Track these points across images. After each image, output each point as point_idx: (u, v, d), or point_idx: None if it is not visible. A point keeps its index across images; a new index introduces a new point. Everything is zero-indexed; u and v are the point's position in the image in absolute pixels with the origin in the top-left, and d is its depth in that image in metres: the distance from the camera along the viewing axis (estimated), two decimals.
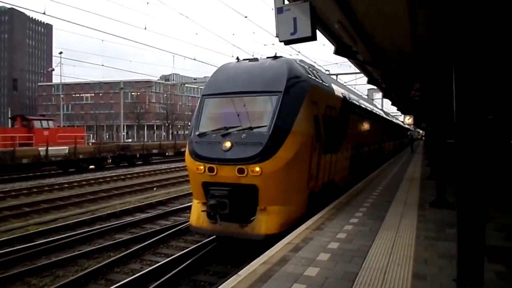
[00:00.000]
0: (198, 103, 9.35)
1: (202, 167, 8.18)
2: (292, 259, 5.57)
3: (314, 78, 9.85)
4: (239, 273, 5.11)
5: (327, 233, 6.97)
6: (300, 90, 8.73)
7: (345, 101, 13.01)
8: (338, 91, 12.63)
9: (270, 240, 7.23)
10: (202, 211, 8.26)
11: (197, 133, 8.70)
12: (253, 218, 7.93)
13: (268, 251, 6.00)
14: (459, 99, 3.59)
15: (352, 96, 15.61)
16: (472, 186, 3.53)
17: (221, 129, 8.42)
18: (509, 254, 5.74)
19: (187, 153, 8.71)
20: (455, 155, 3.67)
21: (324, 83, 10.84)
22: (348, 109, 13.45)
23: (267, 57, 9.66)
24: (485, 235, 3.67)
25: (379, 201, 10.17)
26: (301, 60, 10.48)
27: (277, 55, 9.65)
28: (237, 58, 10.00)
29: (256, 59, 9.75)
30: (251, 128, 8.20)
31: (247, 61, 9.76)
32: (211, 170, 8.07)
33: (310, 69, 10.34)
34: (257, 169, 7.70)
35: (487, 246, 5.51)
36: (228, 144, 8.03)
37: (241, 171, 7.79)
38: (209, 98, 9.14)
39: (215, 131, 8.47)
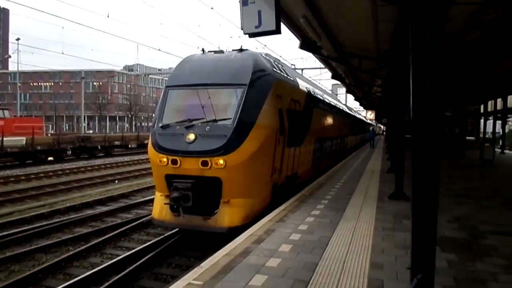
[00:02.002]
0: (162, 94, 9.25)
1: (165, 159, 8.09)
2: (254, 251, 5.63)
3: (279, 72, 9.89)
4: (201, 265, 5.11)
5: (290, 225, 7.08)
6: (265, 84, 8.76)
7: (309, 95, 13.15)
8: (303, 85, 12.73)
9: (233, 232, 7.22)
10: (165, 203, 8.20)
11: (160, 124, 8.59)
12: (216, 210, 7.94)
13: (231, 243, 6.03)
14: (415, 96, 3.73)
15: (317, 91, 15.79)
16: (426, 179, 3.68)
17: (185, 121, 8.36)
18: (460, 244, 6.03)
19: (150, 145, 8.61)
20: (411, 149, 3.82)
21: (289, 77, 10.91)
22: (312, 103, 13.59)
23: (233, 50, 9.61)
24: (438, 226, 3.85)
25: (341, 194, 10.42)
26: (266, 54, 10.51)
27: (243, 48, 9.62)
28: (203, 50, 9.90)
29: (221, 51, 9.69)
30: (215, 121, 8.17)
31: (213, 53, 9.68)
32: (174, 162, 8.00)
33: (276, 63, 10.38)
34: (221, 161, 7.69)
35: (441, 237, 5.79)
36: (192, 136, 7.98)
37: (204, 163, 7.76)
38: (173, 90, 9.05)
39: (179, 123, 8.39)
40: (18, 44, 51.57)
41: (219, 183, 7.86)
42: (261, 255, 5.43)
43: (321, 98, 16.02)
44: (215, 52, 9.72)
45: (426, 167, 3.68)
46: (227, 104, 8.41)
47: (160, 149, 8.24)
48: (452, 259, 5.29)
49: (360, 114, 48.71)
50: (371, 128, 53.22)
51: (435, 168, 3.67)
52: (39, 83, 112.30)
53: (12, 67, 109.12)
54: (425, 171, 3.69)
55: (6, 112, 30.80)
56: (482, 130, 31.18)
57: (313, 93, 14.11)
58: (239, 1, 6.19)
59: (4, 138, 23.93)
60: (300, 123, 11.20)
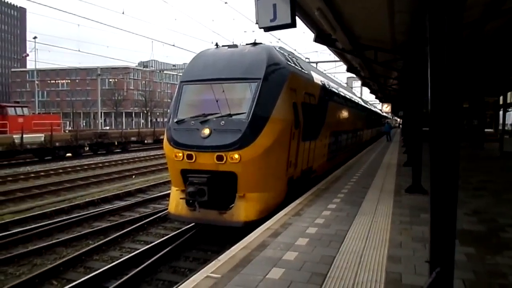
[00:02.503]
0: (177, 89, 9.26)
1: (180, 154, 8.13)
2: (271, 244, 5.66)
3: (293, 65, 9.81)
4: (218, 258, 5.16)
5: (306, 219, 7.08)
6: (279, 77, 8.72)
7: (324, 88, 13.01)
8: (317, 78, 12.60)
9: (249, 227, 7.23)
10: (181, 198, 8.25)
11: (175, 120, 8.63)
12: (232, 205, 7.97)
13: (248, 236, 6.07)
14: (433, 88, 3.68)
15: (331, 84, 15.57)
16: (444, 172, 3.64)
17: (200, 116, 8.36)
18: (479, 237, 5.96)
19: (165, 140, 8.66)
20: (429, 142, 3.77)
21: (303, 70, 10.80)
22: (327, 96, 13.44)
23: (247, 44, 9.57)
24: (457, 220, 3.82)
25: (357, 188, 10.36)
26: (280, 47, 10.42)
27: (257, 41, 9.56)
28: (216, 44, 9.86)
29: (235, 46, 9.66)
30: (230, 115, 8.16)
31: (226, 47, 9.65)
32: (189, 157, 8.04)
33: (290, 56, 10.30)
34: (236, 156, 7.69)
35: (460, 230, 5.72)
36: (207, 131, 7.99)
37: (220, 158, 7.78)
38: (187, 85, 9.06)
39: (193, 118, 8.41)
40: (35, 42, 52.51)
41: (235, 178, 7.87)
42: (278, 249, 5.46)
43: (336, 91, 15.83)
44: (229, 46, 9.68)
45: (445, 160, 3.63)
46: (241, 99, 8.38)
47: (176, 144, 8.27)
48: (471, 253, 5.23)
49: (375, 107, 48.12)
50: (387, 121, 52.69)
51: (454, 161, 3.63)
52: (56, 81, 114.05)
53: (30, 65, 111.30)
54: (444, 164, 3.65)
55: (25, 109, 31.39)
56: (501, 122, 30.56)
57: (327, 86, 13.95)
58: None
59: (24, 135, 24.42)
60: (315, 117, 11.12)
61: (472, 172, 13.17)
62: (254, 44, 9.43)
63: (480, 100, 25.42)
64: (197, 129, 8.14)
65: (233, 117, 8.13)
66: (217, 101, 8.39)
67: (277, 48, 9.74)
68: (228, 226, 7.98)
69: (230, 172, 7.87)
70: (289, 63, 9.55)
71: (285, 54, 9.95)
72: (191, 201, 8.02)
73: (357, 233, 6.21)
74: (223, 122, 8.08)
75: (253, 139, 7.81)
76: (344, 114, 17.71)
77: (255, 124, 7.93)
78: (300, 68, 10.46)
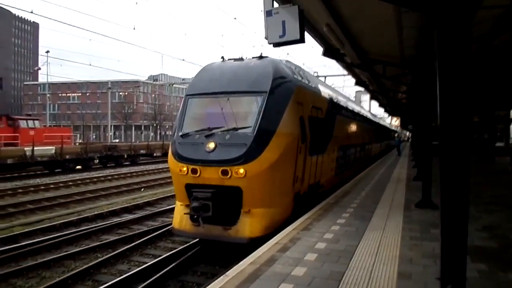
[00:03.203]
0: (182, 103, 9.19)
1: (185, 169, 8.02)
2: (279, 259, 5.62)
3: (300, 78, 9.75)
4: (227, 273, 5.13)
5: (315, 233, 7.03)
6: (285, 91, 8.62)
7: (331, 102, 12.87)
8: (325, 92, 12.51)
9: (254, 243, 7.11)
10: (185, 213, 8.14)
11: (180, 133, 8.54)
12: (237, 220, 7.82)
13: (256, 251, 6.04)
14: (442, 102, 3.68)
15: (339, 98, 15.48)
16: (455, 187, 3.62)
17: (205, 130, 8.28)
18: (491, 254, 5.87)
19: (170, 154, 8.57)
20: (439, 157, 3.76)
21: (310, 83, 10.74)
22: (335, 110, 13.29)
23: (253, 57, 9.50)
24: (468, 235, 3.77)
25: (366, 202, 10.29)
26: (287, 61, 10.40)
27: (263, 55, 9.48)
28: (222, 58, 9.79)
29: (241, 59, 9.58)
30: (235, 129, 8.05)
31: (232, 60, 9.59)
32: (194, 171, 7.92)
33: (297, 69, 10.23)
34: (241, 170, 7.57)
35: (471, 246, 5.64)
36: (211, 145, 7.89)
37: (225, 172, 7.66)
38: (193, 98, 9.00)
39: (198, 132, 8.33)
40: (47, 56, 53.33)
41: (240, 193, 7.72)
42: (287, 264, 5.42)
43: (343, 104, 15.68)
44: (235, 60, 9.60)
45: (455, 174, 3.61)
46: (247, 112, 8.29)
47: (180, 158, 8.17)
48: (482, 269, 5.15)
49: (384, 121, 47.99)
50: (396, 135, 52.45)
51: (465, 175, 3.61)
52: (67, 94, 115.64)
53: (41, 78, 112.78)
54: (454, 179, 3.63)
55: (37, 122, 31.85)
56: None
57: (335, 99, 13.80)
58: (263, 12, 6.26)
59: (35, 148, 24.69)
60: (322, 131, 10.98)
61: (483, 186, 13.02)
62: (260, 57, 9.35)
63: (490, 114, 25.24)
64: (202, 143, 8.04)
65: (239, 131, 8.02)
66: (222, 115, 8.28)
67: (283, 62, 9.69)
68: (233, 243, 7.83)
69: (235, 187, 7.72)
70: (296, 76, 9.47)
71: (292, 67, 9.89)
72: (195, 216, 7.89)
73: (366, 248, 6.14)
74: (228, 136, 7.98)
75: (258, 154, 7.68)
76: (352, 128, 17.49)
77: (261, 138, 7.82)
78: (306, 82, 10.39)
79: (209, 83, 8.90)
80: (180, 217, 8.32)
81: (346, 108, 16.04)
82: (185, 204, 8.29)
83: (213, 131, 8.14)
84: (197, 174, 7.89)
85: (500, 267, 5.25)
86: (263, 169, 7.67)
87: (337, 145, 13.37)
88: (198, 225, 7.87)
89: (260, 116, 7.96)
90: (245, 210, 7.76)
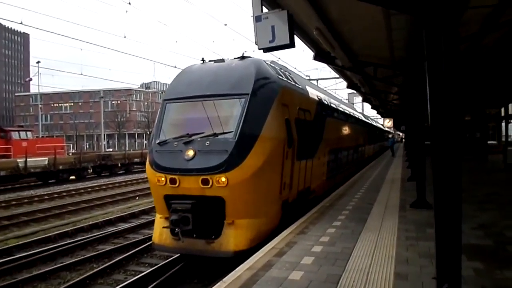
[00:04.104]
0: (160, 108, 8.73)
1: (163, 179, 7.54)
2: (276, 264, 5.61)
3: (285, 79, 9.33)
4: (223, 279, 5.12)
5: (311, 237, 7.04)
6: (269, 92, 8.18)
7: (321, 104, 12.49)
8: (313, 93, 12.10)
9: (240, 257, 6.73)
10: (164, 227, 7.63)
11: (157, 141, 8.07)
12: (220, 233, 7.33)
13: (253, 256, 6.03)
14: (432, 102, 3.71)
15: (329, 99, 15.10)
16: (448, 186, 3.64)
17: (184, 137, 7.80)
18: (486, 252, 5.90)
19: (147, 163, 8.09)
20: (431, 156, 3.78)
21: (297, 85, 10.36)
22: (324, 112, 12.89)
23: (235, 58, 9.04)
24: (463, 234, 3.79)
25: (361, 204, 10.31)
26: (272, 61, 9.96)
27: (245, 55, 9.02)
28: (202, 59, 9.32)
29: (222, 60, 9.12)
30: (215, 135, 7.60)
31: (213, 62, 9.14)
32: (173, 181, 7.44)
33: (282, 70, 9.83)
34: (223, 179, 7.10)
35: (466, 245, 5.67)
36: (190, 152, 7.43)
37: (205, 182, 7.18)
38: (170, 103, 8.53)
39: (177, 139, 7.84)
40: (38, 67, 53.06)
41: (222, 203, 7.26)
42: (283, 268, 5.41)
43: (334, 106, 15.31)
44: (216, 61, 9.13)
45: (448, 173, 3.63)
46: (228, 116, 7.81)
47: (158, 167, 7.68)
48: (478, 268, 5.17)
49: (377, 122, 48.17)
50: (390, 136, 52.67)
51: (457, 174, 3.63)
52: (60, 104, 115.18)
53: (33, 89, 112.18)
54: (447, 178, 3.65)
55: (29, 133, 31.62)
56: (504, 133, 30.49)
57: (324, 101, 13.39)
58: (253, 18, 6.28)
59: (28, 159, 24.51)
60: (311, 134, 10.60)
61: (477, 185, 13.09)
62: (242, 57, 8.90)
63: (481, 113, 25.45)
64: (181, 150, 7.56)
65: (219, 136, 7.57)
66: (202, 120, 7.88)
67: (267, 62, 9.20)
68: (217, 257, 7.36)
69: (217, 197, 7.25)
70: (280, 77, 9.02)
71: (276, 68, 9.44)
72: (176, 230, 7.40)
73: (363, 250, 6.15)
74: (208, 142, 7.50)
75: (241, 160, 7.21)
76: (344, 130, 17.20)
77: (243, 143, 7.36)
78: (293, 83, 9.99)
79: (188, 87, 8.47)
80: (159, 231, 7.81)
81: (336, 110, 15.70)
82: (164, 217, 7.79)
83: (193, 137, 7.67)
84: (176, 184, 7.41)
85: (496, 265, 5.27)
86: (246, 177, 7.21)
87: (328, 148, 13.00)
88: (179, 239, 7.34)
89: (242, 120, 7.51)
90: (229, 222, 7.27)
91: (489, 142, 27.79)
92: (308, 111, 10.53)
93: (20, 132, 30.47)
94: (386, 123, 41.81)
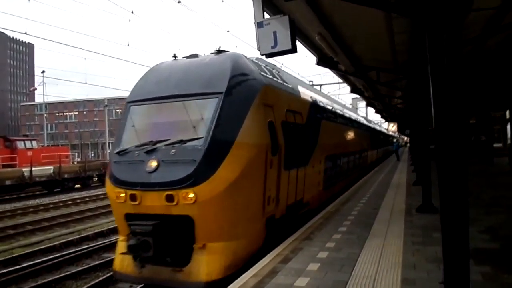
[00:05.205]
0: (123, 112, 7.68)
1: (123, 195, 6.43)
2: (282, 270, 5.57)
3: (270, 77, 8.23)
4: (229, 286, 5.09)
5: (316, 243, 6.99)
6: (248, 91, 7.04)
7: (315, 105, 11.25)
8: (306, 94, 10.87)
9: (214, 287, 5.90)
10: (121, 253, 6.53)
11: (117, 150, 6.98)
12: (189, 259, 6.15)
13: (258, 263, 6.00)
14: (436, 105, 3.69)
15: (326, 101, 13.79)
16: (454, 190, 3.60)
17: (147, 145, 6.67)
18: (494, 256, 5.83)
19: (106, 176, 7.05)
20: (436, 160, 3.75)
21: (285, 83, 9.19)
22: (320, 114, 11.68)
23: (211, 52, 7.98)
24: (470, 238, 3.74)
25: (367, 209, 10.25)
26: (258, 58, 8.83)
27: (221, 49, 7.94)
28: (174, 55, 8.23)
29: (195, 55, 8.07)
30: (182, 142, 6.44)
31: (185, 58, 8.11)
32: (133, 198, 6.33)
33: (268, 67, 8.78)
34: (191, 195, 5.98)
35: (474, 249, 5.60)
36: (153, 163, 6.30)
37: (170, 198, 6.07)
38: (134, 106, 7.42)
39: (139, 148, 6.71)
40: (43, 76, 53.76)
41: (191, 223, 6.11)
42: (289, 275, 5.37)
43: (331, 108, 14.00)
44: (188, 56, 8.10)
45: (453, 177, 3.60)
46: (198, 120, 6.62)
47: (116, 181, 6.59)
48: (486, 272, 5.11)
49: (381, 126, 47.97)
50: (394, 140, 52.56)
51: (463, 177, 3.59)
52: (64, 113, 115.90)
53: (38, 99, 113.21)
54: (453, 181, 3.61)
55: (34, 142, 31.80)
56: (509, 136, 30.31)
57: (320, 102, 12.11)
58: (255, 24, 6.30)
59: (33, 168, 24.62)
60: (303, 139, 9.44)
61: (483, 188, 13.00)
62: (218, 52, 7.82)
63: (486, 115, 25.33)
64: (142, 161, 6.44)
65: (187, 143, 6.41)
66: (168, 125, 6.88)
67: (250, 58, 8.13)
68: None
69: (184, 216, 6.10)
70: (264, 74, 7.94)
71: (261, 64, 8.41)
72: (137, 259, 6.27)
73: (369, 256, 6.10)
74: (173, 151, 6.36)
75: (212, 172, 6.08)
76: (343, 134, 15.96)
77: (214, 151, 6.23)
78: (281, 81, 8.88)
79: (154, 87, 7.37)
80: (121, 257, 6.57)
81: (334, 112, 14.37)
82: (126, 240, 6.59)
83: (157, 145, 6.55)
84: (137, 202, 6.30)
85: (504, 269, 5.21)
86: (219, 192, 6.06)
87: (325, 154, 11.73)
88: (142, 267, 6.23)
89: (214, 124, 6.39)
90: (199, 246, 6.10)
91: (494, 145, 27.65)
92: (299, 113, 9.41)
93: (26, 142, 30.67)
94: (391, 128, 41.73)
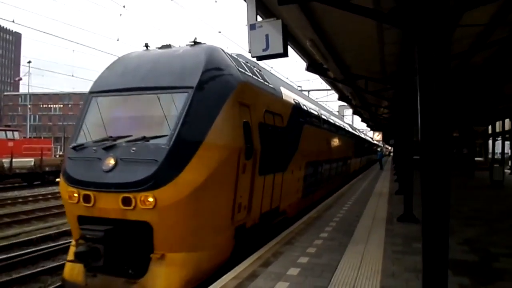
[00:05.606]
0: (83, 103, 7.03)
1: (76, 195, 5.83)
2: (262, 274, 5.55)
3: (249, 74, 7.63)
4: (209, 287, 5.05)
5: (297, 248, 6.99)
6: (222, 87, 6.46)
7: (297, 108, 10.62)
8: (289, 96, 10.26)
9: None
10: (68, 261, 5.99)
11: (72, 145, 6.36)
12: (146, 270, 5.54)
13: (238, 266, 5.97)
14: (423, 117, 3.73)
15: (310, 105, 13.19)
16: (436, 201, 3.65)
17: (106, 140, 6.08)
18: (472, 267, 5.91)
19: (60, 174, 6.41)
20: (420, 171, 3.80)
21: (266, 83, 8.58)
22: (302, 118, 11.04)
23: (187, 44, 7.36)
24: (449, 249, 3.79)
25: (349, 216, 10.30)
26: (238, 54, 8.44)
27: (197, 40, 7.34)
28: (146, 45, 7.61)
29: (168, 46, 7.49)
30: (145, 139, 5.85)
31: (158, 48, 7.53)
32: (86, 199, 5.72)
33: (248, 64, 8.16)
34: (150, 199, 5.40)
35: (452, 260, 5.68)
36: (111, 161, 5.71)
37: (126, 201, 5.46)
38: (97, 97, 6.79)
39: (97, 143, 6.11)
40: (29, 67, 52.70)
41: (149, 230, 5.51)
42: (269, 279, 5.35)
43: (315, 113, 13.37)
44: (161, 47, 7.50)
45: (436, 188, 3.65)
46: (164, 116, 6.03)
47: (68, 180, 5.99)
48: (464, 283, 5.18)
49: (366, 135, 48.40)
50: (378, 150, 53.10)
51: (445, 189, 3.65)
52: (49, 105, 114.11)
53: (22, 89, 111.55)
54: (435, 193, 3.66)
55: (16, 133, 31.22)
56: (490, 151, 30.94)
57: (303, 106, 11.53)
58: (247, 26, 6.30)
59: (13, 159, 24.15)
60: (282, 143, 8.87)
61: (464, 200, 13.21)
62: (194, 43, 7.23)
63: (469, 129, 25.83)
64: (99, 158, 5.85)
65: (150, 141, 5.81)
66: (132, 119, 6.29)
67: (226, 52, 7.41)
68: None
69: (141, 222, 5.51)
70: (242, 70, 7.31)
71: (241, 60, 7.83)
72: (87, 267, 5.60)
73: (349, 262, 6.12)
74: (134, 148, 5.76)
75: (175, 174, 5.50)
76: (326, 140, 15.23)
77: (179, 151, 5.64)
78: (261, 80, 8.28)
79: (120, 78, 6.77)
80: (71, 264, 5.90)
81: (317, 117, 13.70)
82: None
83: (117, 141, 5.96)
84: (91, 203, 5.70)
85: (482, 280, 5.29)
86: (182, 197, 5.47)
87: (305, 160, 11.13)
88: (93, 276, 5.59)
89: (181, 121, 5.82)
90: (157, 256, 5.50)
91: (476, 158, 28.19)
92: (279, 115, 8.84)
93: (7, 132, 30.10)
94: (375, 136, 42.14)
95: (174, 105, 6.01)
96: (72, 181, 5.91)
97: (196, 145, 5.74)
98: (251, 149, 6.89)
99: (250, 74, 7.65)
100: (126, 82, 6.58)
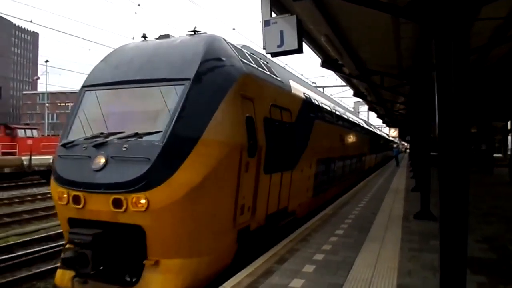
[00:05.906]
0: (76, 97, 6.65)
1: (65, 196, 5.50)
2: (277, 271, 5.55)
3: (254, 66, 7.17)
4: (223, 285, 5.07)
5: (313, 245, 6.97)
6: (222, 79, 6.00)
7: (308, 103, 10.09)
8: (298, 90, 9.71)
9: None
10: (59, 267, 5.79)
11: (63, 142, 6.03)
12: (139, 277, 5.19)
13: (254, 262, 5.98)
14: (441, 113, 3.67)
15: (322, 99, 12.56)
16: (454, 198, 3.59)
17: (98, 137, 5.70)
18: (490, 266, 5.81)
19: (51, 173, 6.09)
20: (438, 168, 3.73)
21: (273, 76, 8.08)
22: (313, 113, 10.51)
23: (186, 34, 6.98)
24: (467, 247, 3.73)
25: (365, 213, 10.23)
26: (244, 45, 8.07)
27: (197, 30, 6.96)
28: (143, 36, 7.22)
29: (167, 36, 7.09)
30: (138, 135, 5.44)
31: (156, 39, 7.14)
32: (76, 200, 5.39)
33: (254, 56, 7.77)
34: (142, 200, 5.02)
35: (470, 258, 5.59)
36: (101, 160, 5.32)
37: (117, 203, 5.10)
38: (90, 91, 6.39)
39: (87, 140, 5.72)
40: (46, 66, 53.69)
41: (142, 235, 5.15)
42: (284, 276, 5.35)
43: (327, 108, 12.82)
44: (159, 37, 7.12)
45: (454, 185, 3.58)
46: (159, 110, 5.66)
47: (58, 179, 5.68)
48: (482, 282, 5.09)
49: (381, 131, 47.82)
50: (395, 146, 52.56)
51: (464, 186, 3.58)
52: (66, 103, 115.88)
53: (40, 88, 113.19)
54: (453, 190, 3.60)
55: (35, 131, 31.81)
56: (510, 147, 30.33)
57: (315, 100, 10.97)
58: (261, 22, 6.28)
59: (32, 157, 24.62)
60: (290, 139, 8.38)
61: (482, 197, 12.98)
62: (194, 33, 6.82)
63: (488, 125, 25.35)
64: (89, 156, 5.46)
65: (143, 138, 5.40)
66: (126, 114, 5.91)
67: (229, 42, 6.96)
68: None
69: (134, 226, 5.15)
70: (246, 61, 6.85)
71: (245, 51, 7.41)
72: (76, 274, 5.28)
73: (365, 260, 6.08)
74: (126, 146, 5.35)
75: (169, 174, 5.11)
76: (339, 136, 14.57)
77: (173, 149, 5.24)
78: (268, 72, 7.77)
79: (115, 70, 6.37)
80: (62, 270, 5.67)
81: (330, 112, 13.06)
82: None
83: (109, 138, 5.57)
84: (81, 205, 5.36)
85: (500, 279, 5.19)
86: (177, 198, 5.09)
87: (316, 157, 10.57)
88: (84, 282, 5.28)
89: (176, 116, 5.39)
90: (151, 263, 5.14)
91: (494, 155, 27.66)
92: (287, 110, 8.34)
93: (26, 130, 30.68)
94: (391, 133, 41.71)
95: (170, 99, 5.61)
96: (62, 181, 5.60)
97: (193, 141, 5.34)
98: (255, 146, 6.45)
99: (254, 65, 7.19)
100: (120, 75, 6.22)
